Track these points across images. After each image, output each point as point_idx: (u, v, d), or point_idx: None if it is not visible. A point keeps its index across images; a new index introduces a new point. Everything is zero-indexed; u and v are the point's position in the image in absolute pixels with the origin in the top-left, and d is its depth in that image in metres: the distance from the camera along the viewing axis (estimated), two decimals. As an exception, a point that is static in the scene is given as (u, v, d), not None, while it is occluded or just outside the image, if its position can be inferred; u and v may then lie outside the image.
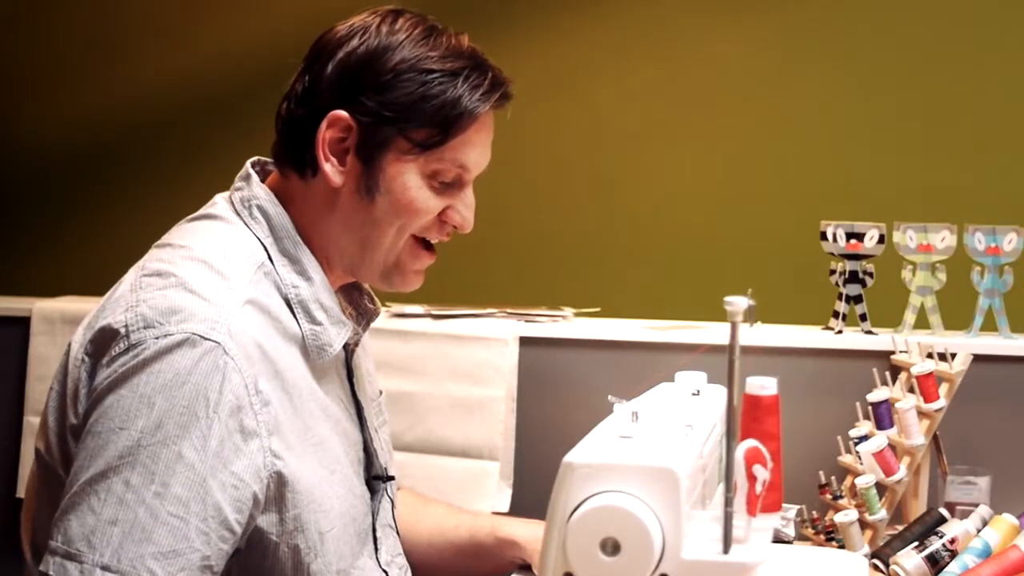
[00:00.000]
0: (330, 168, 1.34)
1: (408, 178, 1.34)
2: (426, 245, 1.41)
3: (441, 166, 1.35)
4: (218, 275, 1.27)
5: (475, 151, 1.37)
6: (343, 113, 1.33)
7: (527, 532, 1.68)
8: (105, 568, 1.14)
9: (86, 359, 1.24)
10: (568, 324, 2.22)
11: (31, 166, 3.15)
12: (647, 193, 2.91)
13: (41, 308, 2.28)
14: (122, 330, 1.21)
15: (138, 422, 1.17)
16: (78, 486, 1.17)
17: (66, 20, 3.13)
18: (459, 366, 2.14)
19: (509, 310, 2.27)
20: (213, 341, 1.20)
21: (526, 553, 1.66)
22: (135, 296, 1.24)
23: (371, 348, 1.62)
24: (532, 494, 2.07)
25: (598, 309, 2.35)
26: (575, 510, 1.08)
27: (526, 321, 2.20)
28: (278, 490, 1.24)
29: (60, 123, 3.14)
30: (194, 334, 1.19)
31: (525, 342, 2.16)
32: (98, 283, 2.59)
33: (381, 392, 1.59)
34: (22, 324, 2.29)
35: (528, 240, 2.93)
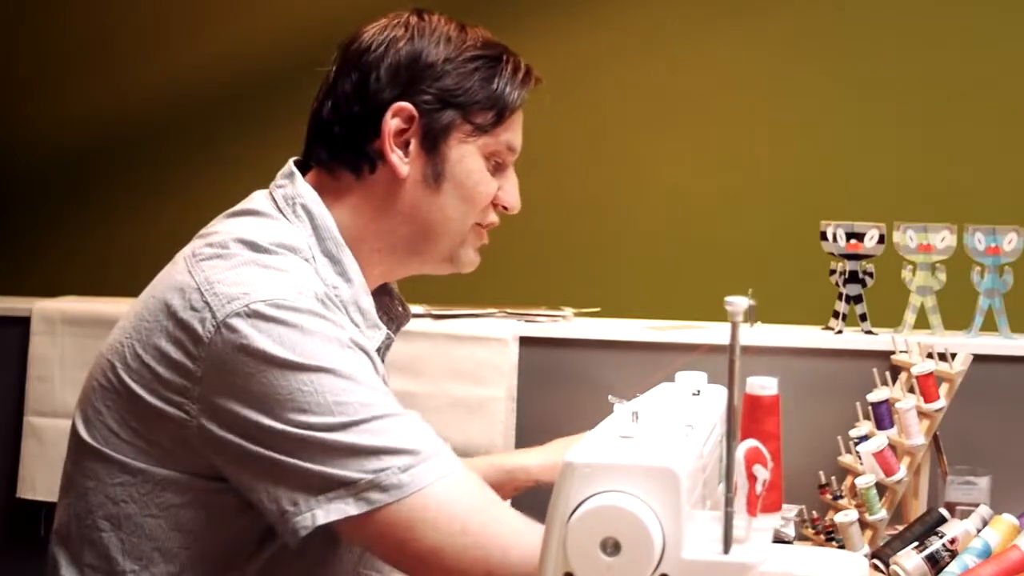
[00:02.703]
0: (396, 159, 1.36)
1: (471, 161, 1.39)
2: (486, 231, 1.47)
3: (497, 148, 1.41)
4: (277, 256, 1.28)
5: (519, 132, 1.45)
6: (406, 104, 1.35)
7: (537, 457, 1.71)
8: (406, 468, 1.18)
9: (164, 350, 1.23)
10: (568, 324, 2.22)
11: (31, 166, 3.15)
12: (647, 193, 2.91)
13: (41, 308, 2.28)
14: (204, 314, 1.21)
15: (300, 381, 1.18)
16: (305, 454, 1.18)
17: (67, 21, 3.13)
18: (459, 366, 2.14)
19: (509, 310, 2.27)
20: (306, 305, 1.22)
21: (537, 473, 1.69)
22: (201, 278, 1.24)
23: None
24: (532, 494, 2.07)
25: (598, 309, 2.35)
26: (575, 510, 1.08)
27: (526, 321, 2.20)
28: None
29: (60, 123, 3.14)
30: (284, 299, 1.21)
31: (525, 342, 2.16)
32: (98, 283, 2.60)
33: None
34: (22, 324, 2.29)
35: (528, 240, 2.93)
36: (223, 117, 3.02)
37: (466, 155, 1.38)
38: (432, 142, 1.36)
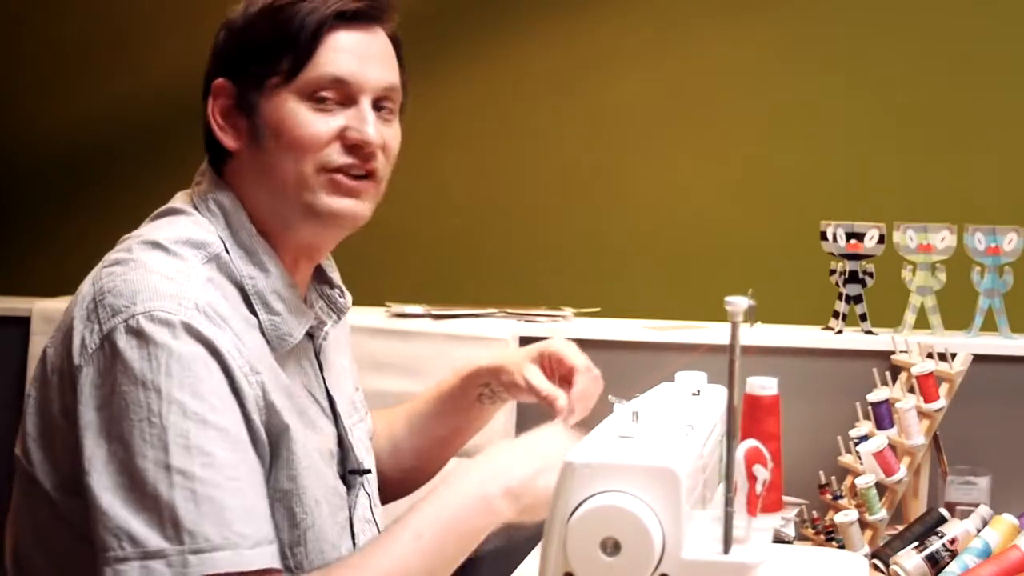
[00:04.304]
0: (222, 134, 1.36)
1: (288, 109, 1.33)
2: (350, 176, 1.36)
3: (317, 85, 1.33)
4: (175, 257, 1.28)
5: (345, 61, 1.34)
6: (220, 79, 1.35)
7: (492, 356, 1.66)
8: (197, 551, 1.13)
9: (60, 360, 1.24)
10: (568, 324, 2.22)
11: (31, 166, 3.15)
12: (647, 194, 2.91)
13: (41, 308, 2.28)
14: (94, 324, 1.22)
15: (149, 407, 1.17)
16: (121, 491, 1.16)
17: (68, 20, 3.13)
18: (459, 366, 2.14)
19: (509, 310, 2.27)
20: (183, 316, 1.20)
21: (495, 371, 1.62)
22: (97, 287, 1.25)
23: (351, 345, 1.61)
24: (532, 494, 2.07)
25: (598, 309, 2.35)
26: (575, 510, 1.08)
27: (526, 321, 2.20)
28: (275, 447, 1.26)
29: (61, 123, 3.14)
30: (163, 311, 1.20)
31: (525, 342, 2.15)
32: (98, 283, 2.61)
33: (358, 389, 1.58)
34: (22, 324, 2.29)
35: (528, 240, 2.93)
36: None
37: (282, 104, 1.33)
38: (248, 105, 1.34)
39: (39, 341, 2.26)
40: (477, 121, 2.97)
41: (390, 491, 1.66)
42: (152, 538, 1.14)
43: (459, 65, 2.92)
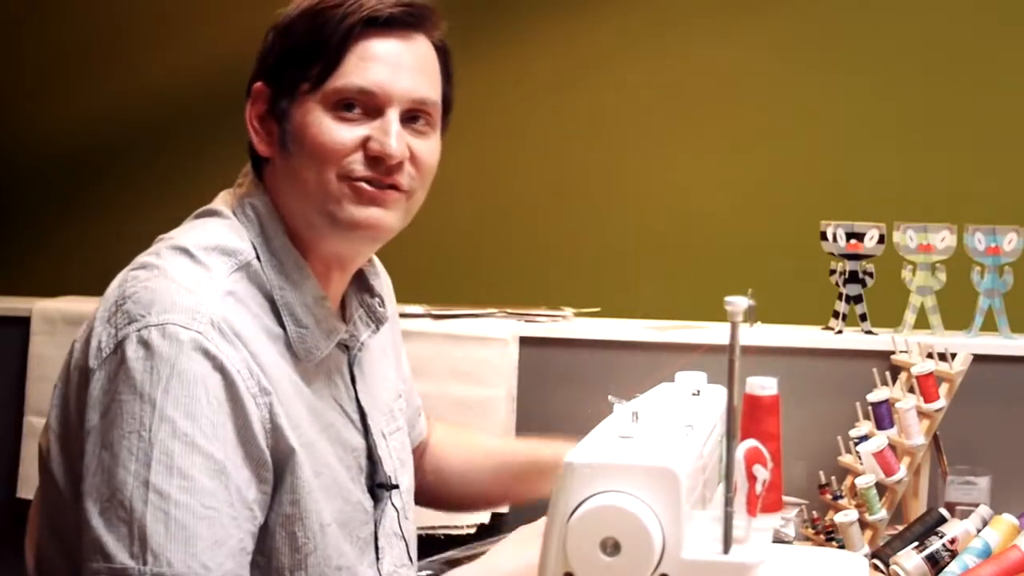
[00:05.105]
0: (257, 139, 1.36)
1: (313, 117, 1.32)
2: (372, 184, 1.34)
3: (341, 96, 1.32)
4: (200, 266, 1.27)
5: (373, 70, 1.33)
6: (258, 83, 1.35)
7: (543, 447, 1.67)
8: (158, 575, 1.13)
9: (81, 359, 1.24)
10: (568, 324, 2.22)
11: (31, 166, 3.15)
12: (647, 194, 2.91)
13: (41, 308, 2.28)
14: (112, 329, 1.21)
15: (142, 420, 1.16)
16: (101, 500, 1.16)
17: (68, 20, 3.13)
18: (459, 366, 2.14)
19: (509, 310, 2.27)
20: (195, 331, 1.19)
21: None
22: (121, 291, 1.25)
23: (402, 347, 1.61)
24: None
25: (598, 309, 2.35)
26: (575, 510, 1.08)
27: (526, 321, 2.20)
28: (279, 470, 1.25)
29: (61, 123, 3.14)
30: (176, 324, 1.19)
31: (525, 342, 2.16)
32: (98, 283, 2.59)
33: (400, 396, 1.57)
34: (22, 324, 2.29)
35: (528, 240, 2.93)
36: (225, 117, 3.01)
37: (308, 112, 1.32)
38: (282, 111, 1.33)
39: (39, 341, 2.26)
40: (477, 121, 2.97)
41: (429, 501, 1.70)
42: (119, 553, 1.14)
43: (459, 65, 2.91)
